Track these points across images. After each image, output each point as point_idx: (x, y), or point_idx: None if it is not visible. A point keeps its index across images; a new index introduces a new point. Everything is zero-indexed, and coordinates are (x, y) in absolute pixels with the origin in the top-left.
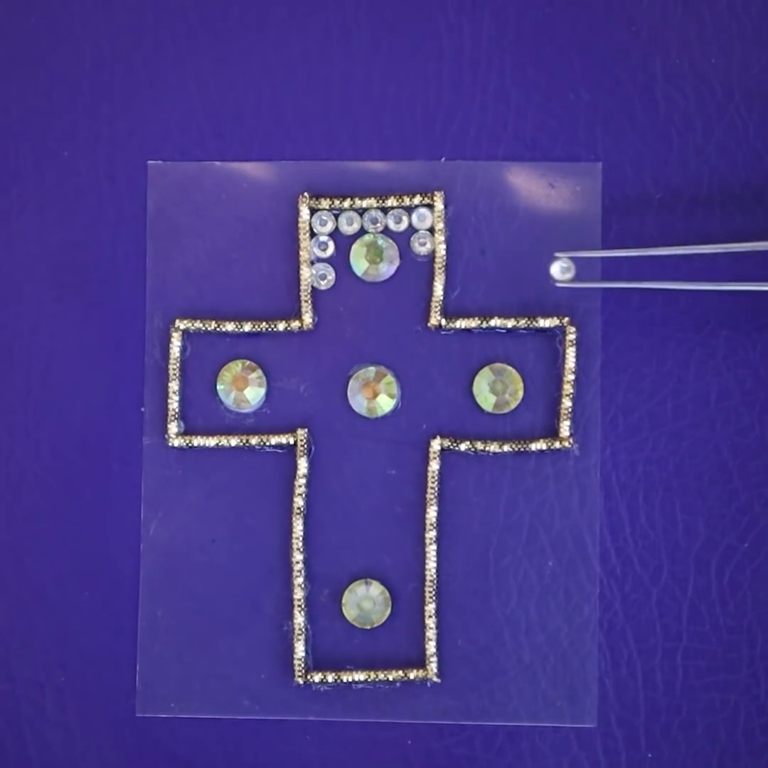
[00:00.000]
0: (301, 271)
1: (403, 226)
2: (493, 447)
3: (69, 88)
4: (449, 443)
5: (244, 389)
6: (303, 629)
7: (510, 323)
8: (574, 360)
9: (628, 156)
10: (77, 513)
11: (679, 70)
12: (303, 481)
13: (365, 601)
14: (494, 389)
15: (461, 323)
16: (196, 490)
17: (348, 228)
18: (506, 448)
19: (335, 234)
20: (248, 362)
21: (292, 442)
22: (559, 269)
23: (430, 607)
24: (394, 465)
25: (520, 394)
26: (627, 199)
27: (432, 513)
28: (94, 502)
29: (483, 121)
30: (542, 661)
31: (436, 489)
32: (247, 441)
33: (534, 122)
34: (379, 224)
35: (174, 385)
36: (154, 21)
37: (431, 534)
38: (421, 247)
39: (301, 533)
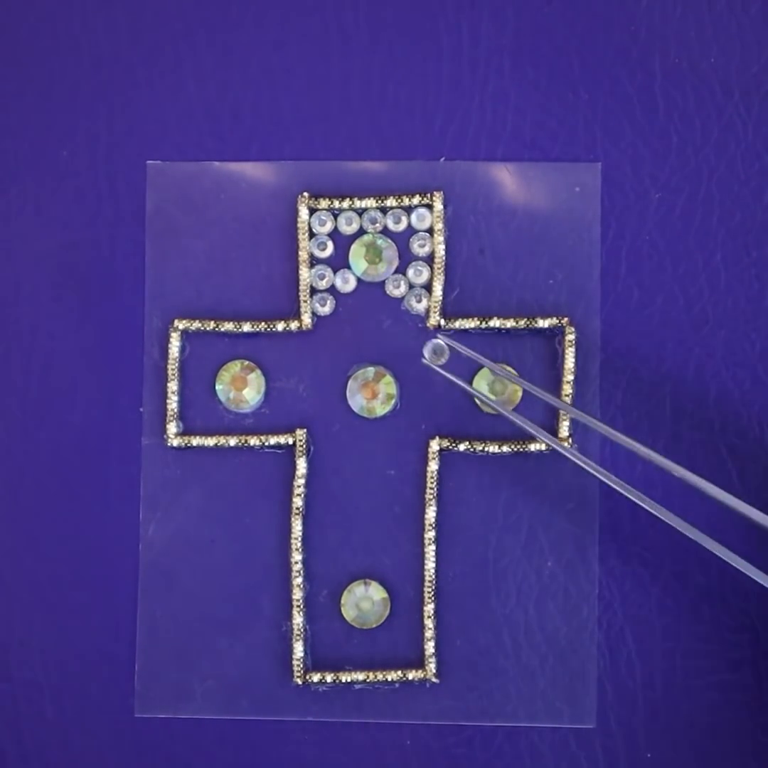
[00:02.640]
0: (300, 271)
1: (402, 226)
2: (493, 447)
3: (68, 88)
4: (448, 443)
5: (242, 389)
6: (302, 629)
7: (509, 323)
8: (573, 360)
9: (628, 155)
10: (76, 513)
11: (678, 70)
12: (302, 481)
13: (364, 602)
14: (493, 389)
15: (460, 323)
16: (195, 490)
17: (347, 228)
18: (505, 448)
19: (334, 234)
20: (247, 362)
21: (291, 442)
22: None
23: (429, 608)
24: (393, 465)
25: (519, 394)
26: (626, 198)
27: (431, 513)
28: (93, 502)
29: (482, 121)
30: (541, 662)
31: (435, 489)
32: (246, 441)
33: (533, 122)
34: (378, 224)
35: (173, 385)
36: (153, 21)
37: (430, 534)
38: (420, 247)
39: (300, 533)
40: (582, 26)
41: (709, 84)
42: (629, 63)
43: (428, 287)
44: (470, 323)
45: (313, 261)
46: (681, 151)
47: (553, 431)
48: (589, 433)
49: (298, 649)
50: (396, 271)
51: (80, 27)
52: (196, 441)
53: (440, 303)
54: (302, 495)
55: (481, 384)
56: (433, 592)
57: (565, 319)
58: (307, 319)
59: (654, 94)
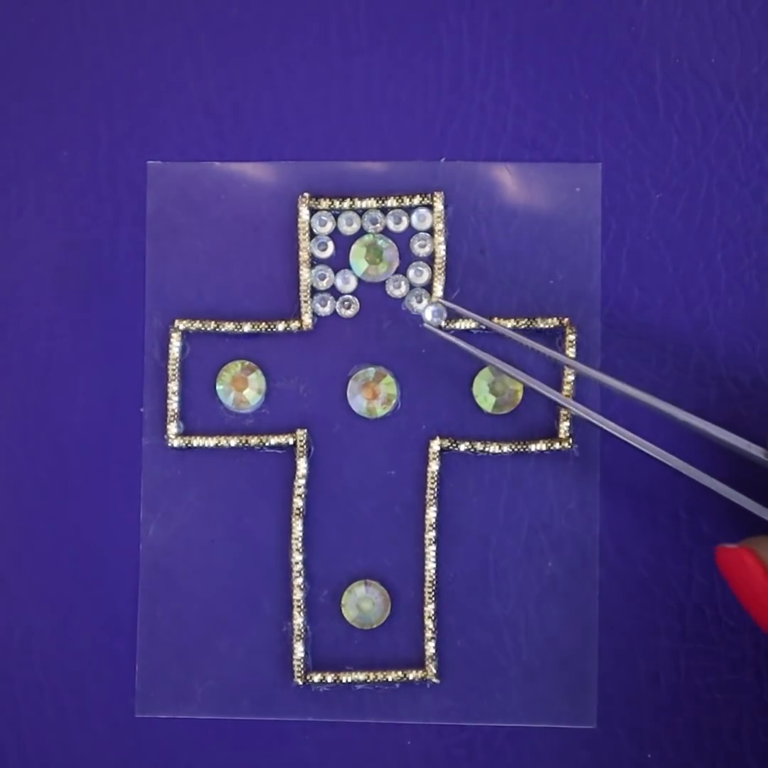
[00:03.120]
0: (300, 272)
1: (403, 226)
2: (493, 448)
3: (68, 89)
4: (449, 444)
5: (243, 390)
6: (302, 630)
7: (510, 324)
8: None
9: (628, 156)
10: (77, 513)
11: (678, 71)
12: (302, 481)
13: (364, 602)
14: (494, 390)
15: (461, 324)
16: (196, 490)
17: (347, 228)
18: (506, 448)
19: (335, 234)
20: (247, 363)
21: (291, 442)
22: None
23: (430, 608)
24: (394, 465)
25: (520, 394)
26: (626, 199)
27: (431, 514)
28: (93, 503)
29: (482, 122)
30: (542, 662)
31: (436, 490)
32: (247, 441)
33: (533, 122)
34: (378, 225)
35: (173, 386)
36: (154, 21)
37: (431, 534)
38: (420, 248)
39: (301, 534)
40: (582, 27)
41: (709, 85)
42: (629, 63)
43: (429, 288)
44: (471, 324)
45: (314, 261)
46: (681, 151)
47: (554, 432)
48: (590, 434)
49: (299, 650)
50: (396, 272)
51: (80, 27)
52: (196, 441)
53: None
54: (303, 495)
55: (482, 384)
56: (433, 593)
57: (566, 319)
58: (307, 320)
59: (654, 94)
